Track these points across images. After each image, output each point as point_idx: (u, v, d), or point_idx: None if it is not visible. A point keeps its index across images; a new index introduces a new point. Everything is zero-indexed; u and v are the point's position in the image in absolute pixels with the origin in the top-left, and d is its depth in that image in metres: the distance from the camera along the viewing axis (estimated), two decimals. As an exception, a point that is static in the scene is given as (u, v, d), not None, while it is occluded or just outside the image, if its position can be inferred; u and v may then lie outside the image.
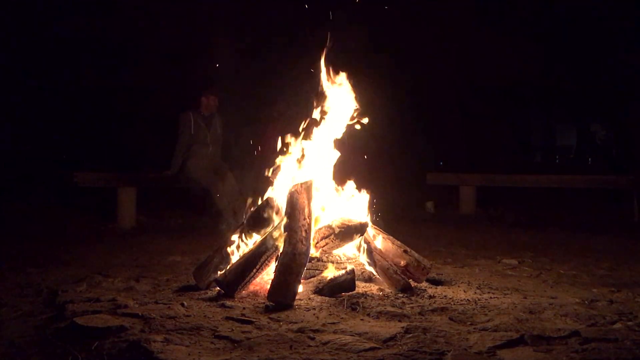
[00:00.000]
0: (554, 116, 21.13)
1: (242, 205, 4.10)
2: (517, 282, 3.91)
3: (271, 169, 3.81)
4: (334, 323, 2.77)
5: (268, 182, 3.79)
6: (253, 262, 3.34)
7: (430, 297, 3.30)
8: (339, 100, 3.88)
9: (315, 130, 3.83)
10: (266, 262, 3.38)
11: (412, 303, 3.15)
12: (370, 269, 3.58)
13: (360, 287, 3.42)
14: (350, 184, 3.88)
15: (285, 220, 3.40)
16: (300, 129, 3.82)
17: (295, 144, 3.82)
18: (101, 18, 9.67)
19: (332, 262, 3.55)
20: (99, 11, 9.70)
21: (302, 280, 3.30)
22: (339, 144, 3.88)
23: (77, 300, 3.17)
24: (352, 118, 3.91)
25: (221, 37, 8.64)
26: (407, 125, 11.38)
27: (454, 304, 3.14)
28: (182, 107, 7.27)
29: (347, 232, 3.51)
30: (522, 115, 16.88)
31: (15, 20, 9.47)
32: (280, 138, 3.84)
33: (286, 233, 3.33)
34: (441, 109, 12.41)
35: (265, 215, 3.56)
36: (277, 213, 3.57)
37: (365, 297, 3.20)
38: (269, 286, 3.16)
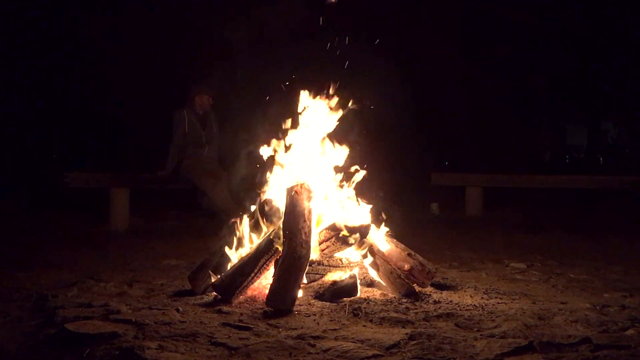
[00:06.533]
0: (564, 114, 20.98)
1: (238, 209, 4.05)
2: (526, 286, 3.85)
3: (269, 169, 3.75)
4: (335, 329, 2.73)
5: (266, 183, 3.72)
6: (251, 266, 3.28)
7: (435, 302, 3.24)
8: (339, 99, 3.82)
9: (315, 128, 3.76)
10: (264, 266, 3.32)
11: (416, 308, 3.09)
12: (373, 273, 3.52)
13: (363, 291, 3.37)
14: (353, 185, 3.81)
15: (284, 222, 3.32)
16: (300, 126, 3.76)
17: (294, 142, 3.75)
18: (95, 17, 9.68)
19: (334, 266, 3.49)
20: (92, 10, 9.70)
21: (302, 285, 3.24)
22: (342, 142, 3.81)
23: (68, 305, 3.12)
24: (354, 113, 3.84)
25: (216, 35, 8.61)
26: (412, 124, 11.31)
27: (460, 310, 3.09)
28: (175, 105, 7.17)
29: (349, 234, 3.43)
30: (530, 113, 16.77)
31: (7, 18, 9.47)
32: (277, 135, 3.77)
33: (285, 236, 3.26)
34: (446, 107, 12.35)
35: (264, 217, 3.50)
36: (275, 215, 3.50)
37: (368, 303, 3.14)
38: (267, 291, 3.11)
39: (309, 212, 3.33)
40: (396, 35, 9.63)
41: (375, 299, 3.23)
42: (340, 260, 3.52)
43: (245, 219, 3.63)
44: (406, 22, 10.12)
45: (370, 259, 3.50)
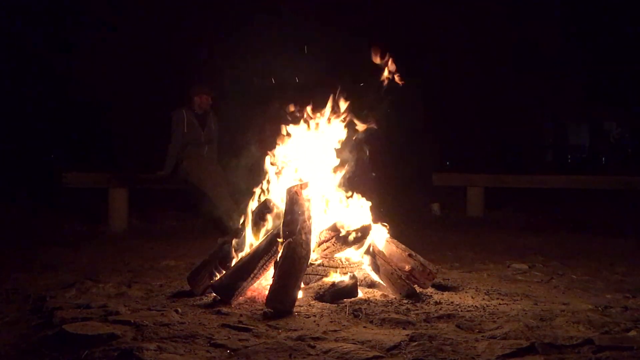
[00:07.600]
0: (565, 114, 20.92)
1: (237, 209, 4.03)
2: (528, 287, 3.83)
3: (269, 170, 3.73)
4: (335, 331, 2.71)
5: (265, 183, 3.70)
6: (250, 266, 3.26)
7: (437, 303, 3.22)
8: (341, 98, 3.80)
9: (315, 128, 3.74)
10: (264, 266, 3.30)
11: (417, 310, 3.07)
12: (374, 274, 3.50)
13: (363, 292, 3.35)
14: (353, 185, 3.79)
15: (284, 222, 3.31)
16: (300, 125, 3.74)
17: (295, 142, 3.74)
18: (91, 17, 9.67)
19: (334, 267, 3.47)
20: (87, 10, 9.69)
21: (302, 286, 3.23)
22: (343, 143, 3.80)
23: (66, 306, 3.10)
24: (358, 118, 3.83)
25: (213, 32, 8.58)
26: (413, 123, 11.27)
27: (461, 311, 3.07)
28: (174, 105, 7.15)
29: (350, 235, 3.42)
30: (532, 112, 16.73)
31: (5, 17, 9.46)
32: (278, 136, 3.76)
33: (285, 236, 3.25)
34: (448, 107, 12.31)
35: (263, 217, 3.47)
36: (275, 215, 3.48)
37: (368, 304, 3.12)
38: (267, 292, 3.09)
39: (310, 211, 3.31)
40: (400, 34, 9.59)
41: (376, 300, 3.22)
42: (341, 261, 3.51)
43: (245, 219, 3.61)
44: (411, 20, 10.08)
45: (370, 259, 3.48)
